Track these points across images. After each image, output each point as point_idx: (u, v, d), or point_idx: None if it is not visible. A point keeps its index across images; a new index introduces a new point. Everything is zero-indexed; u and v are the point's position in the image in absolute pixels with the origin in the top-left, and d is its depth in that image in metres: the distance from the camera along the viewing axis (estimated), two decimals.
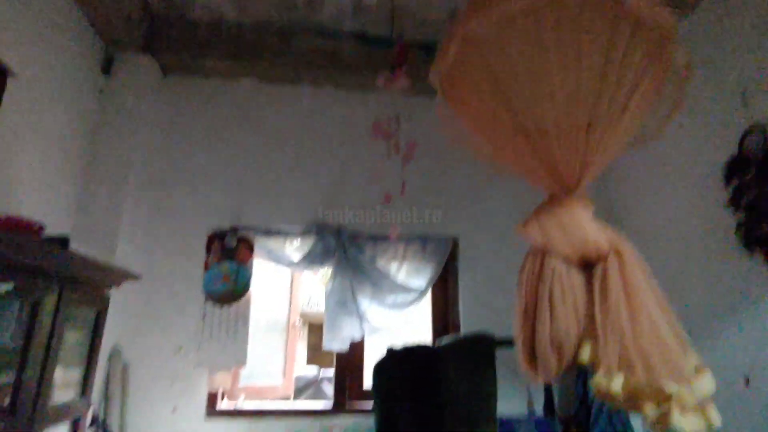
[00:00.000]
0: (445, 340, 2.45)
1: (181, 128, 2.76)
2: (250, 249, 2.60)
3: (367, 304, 2.61)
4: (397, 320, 2.73)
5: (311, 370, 5.57)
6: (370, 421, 2.41)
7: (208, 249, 2.57)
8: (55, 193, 2.07)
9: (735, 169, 2.05)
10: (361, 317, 2.57)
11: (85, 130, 2.30)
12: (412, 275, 2.78)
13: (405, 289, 2.69)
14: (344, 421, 2.48)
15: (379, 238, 2.69)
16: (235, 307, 2.50)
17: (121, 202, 2.33)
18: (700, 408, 1.04)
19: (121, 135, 2.41)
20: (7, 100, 1.66)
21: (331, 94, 2.92)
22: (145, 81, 2.57)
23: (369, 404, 2.49)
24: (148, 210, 2.57)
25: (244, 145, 2.78)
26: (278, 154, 2.79)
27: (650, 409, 1.03)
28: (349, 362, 2.67)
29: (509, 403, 2.49)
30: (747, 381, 1.99)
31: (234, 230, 2.61)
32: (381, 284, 2.64)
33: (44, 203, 1.97)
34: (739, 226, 1.99)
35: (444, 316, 2.84)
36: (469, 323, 2.69)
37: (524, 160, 1.38)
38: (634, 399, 1.06)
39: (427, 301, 2.84)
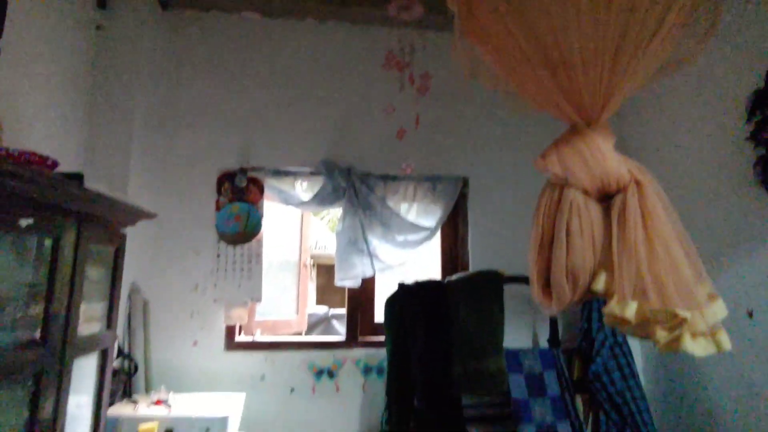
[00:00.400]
0: (455, 276, 2.50)
1: (183, 65, 2.67)
2: (260, 190, 2.60)
3: (377, 243, 2.64)
4: (408, 258, 2.78)
5: (321, 309, 5.75)
6: (381, 353, 2.52)
7: (219, 190, 2.57)
8: (61, 133, 2.04)
9: (760, 102, 1.98)
10: (371, 256, 2.61)
11: (85, 68, 2.23)
12: (422, 215, 2.79)
13: (415, 228, 2.71)
14: (356, 353, 2.59)
15: (389, 178, 2.68)
16: (247, 246, 2.54)
17: (129, 142, 2.30)
18: (711, 333, 1.07)
19: (123, 72, 2.34)
20: (8, 28, 1.60)
21: (338, 28, 2.79)
22: (143, 15, 2.45)
23: (380, 337, 2.59)
24: (157, 150, 2.55)
25: (250, 83, 2.70)
26: (285, 92, 2.72)
27: (661, 335, 1.06)
28: (360, 298, 2.75)
29: (516, 336, 2.60)
30: (750, 314, 2.04)
31: (243, 171, 2.60)
32: (391, 224, 2.66)
33: (51, 144, 1.95)
34: (758, 161, 1.96)
35: (453, 255, 2.88)
36: (478, 261, 2.73)
37: (546, 91, 1.33)
38: (645, 325, 1.09)
39: (437, 239, 2.87)
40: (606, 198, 1.26)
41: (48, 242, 1.35)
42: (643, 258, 1.14)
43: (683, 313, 1.05)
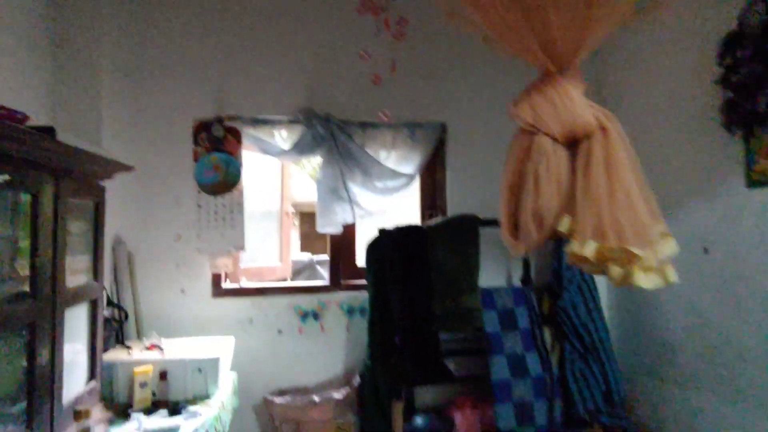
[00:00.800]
0: (434, 221, 2.58)
1: (152, 8, 2.55)
2: (238, 139, 2.58)
3: (357, 191, 2.68)
4: (388, 204, 2.84)
5: (305, 256, 5.86)
6: (363, 295, 2.64)
7: (195, 140, 2.54)
8: (24, 85, 1.97)
9: (731, 45, 2.01)
10: (352, 203, 2.66)
11: (47, 10, 2.11)
12: (402, 161, 2.82)
13: (394, 174, 2.75)
14: (339, 296, 2.71)
15: (368, 125, 2.68)
16: (228, 196, 2.56)
17: (97, 91, 2.22)
18: (660, 268, 1.17)
19: (86, 17, 2.22)
20: None
21: None
22: None
23: (362, 281, 2.69)
24: (129, 100, 2.48)
25: (222, 28, 2.60)
26: (260, 38, 2.64)
27: (616, 271, 1.16)
28: (342, 243, 2.83)
29: (492, 276, 2.74)
30: (706, 250, 2.19)
31: (220, 120, 2.56)
32: (371, 171, 2.69)
33: (16, 98, 1.88)
34: (724, 104, 2.02)
35: (432, 200, 2.95)
36: (455, 206, 2.81)
37: (520, 36, 1.35)
38: (602, 262, 1.18)
39: (416, 185, 2.93)
40: (574, 144, 1.32)
41: (26, 198, 1.36)
42: (603, 201, 1.22)
43: (637, 251, 1.14)
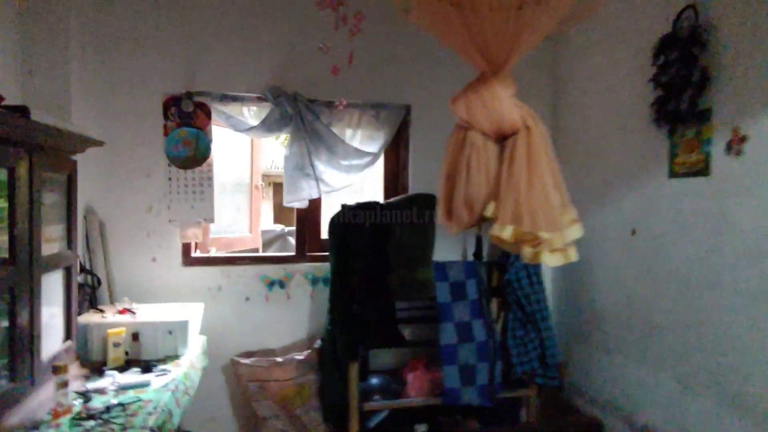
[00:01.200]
0: (394, 198, 2.76)
1: None
2: (208, 115, 2.67)
3: (323, 168, 2.83)
4: (352, 181, 3.00)
5: (278, 227, 5.99)
6: (326, 266, 2.82)
7: (165, 114, 2.62)
8: None
9: (664, 47, 2.20)
10: (317, 179, 2.81)
11: None
12: (366, 141, 2.97)
13: (359, 153, 2.90)
14: (305, 266, 2.89)
15: (334, 105, 2.80)
16: (198, 170, 2.67)
17: (67, 65, 2.28)
18: (565, 249, 1.39)
19: None
20: None
21: None
22: None
23: (326, 252, 2.87)
24: (98, 75, 2.53)
25: (192, 4, 2.65)
26: (229, 15, 2.70)
27: (528, 251, 1.36)
28: (308, 216, 3.00)
29: (448, 250, 2.95)
30: (633, 232, 2.44)
31: (189, 95, 2.64)
32: (336, 149, 2.83)
33: None
34: (654, 101, 2.22)
35: (395, 178, 3.12)
36: (417, 185, 2.98)
37: (458, 36, 1.49)
38: (518, 243, 1.38)
39: (380, 164, 3.08)
40: (502, 139, 1.50)
41: (2, 173, 1.47)
42: (523, 191, 1.41)
43: (544, 234, 1.34)
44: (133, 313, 2.24)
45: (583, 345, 2.84)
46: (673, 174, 2.20)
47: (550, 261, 1.35)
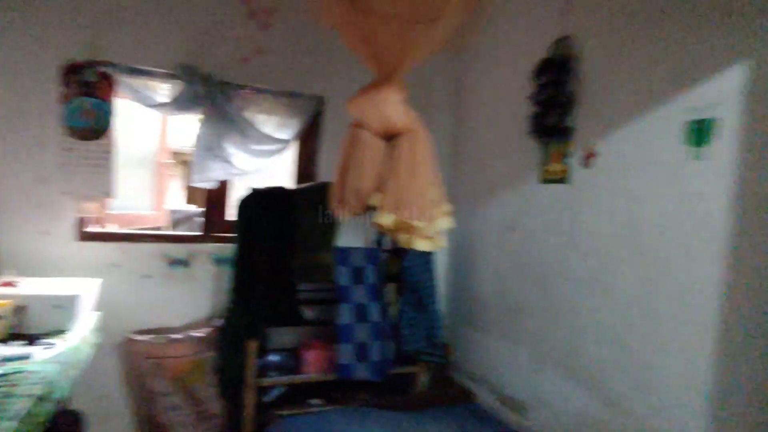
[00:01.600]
0: (301, 186, 2.88)
1: None
2: (112, 86, 2.60)
3: (233, 151, 2.87)
4: (262, 166, 3.07)
5: (188, 208, 5.82)
6: (231, 247, 2.87)
7: (65, 83, 2.52)
8: None
9: (543, 69, 2.54)
10: (227, 162, 2.85)
11: None
12: (279, 127, 3.05)
13: (271, 139, 2.97)
14: (209, 247, 2.92)
15: (243, 91, 2.85)
16: (99, 142, 2.59)
17: None
18: (435, 237, 1.62)
19: None
20: None
21: None
22: None
23: (232, 234, 2.92)
24: None
25: None
26: None
27: (403, 237, 1.58)
28: (216, 197, 3.02)
29: (352, 238, 3.13)
30: (512, 229, 2.79)
31: (92, 64, 2.55)
32: (248, 133, 2.88)
33: None
34: (530, 116, 2.57)
35: (305, 166, 3.24)
36: (325, 173, 3.13)
37: (358, 40, 1.66)
38: (396, 230, 1.59)
39: (293, 151, 3.18)
40: (390, 138, 1.70)
41: None
42: (404, 185, 1.62)
43: (417, 223, 1.57)
44: (14, 286, 2.16)
45: (467, 327, 3.19)
46: (543, 180, 2.57)
47: (421, 246, 1.57)
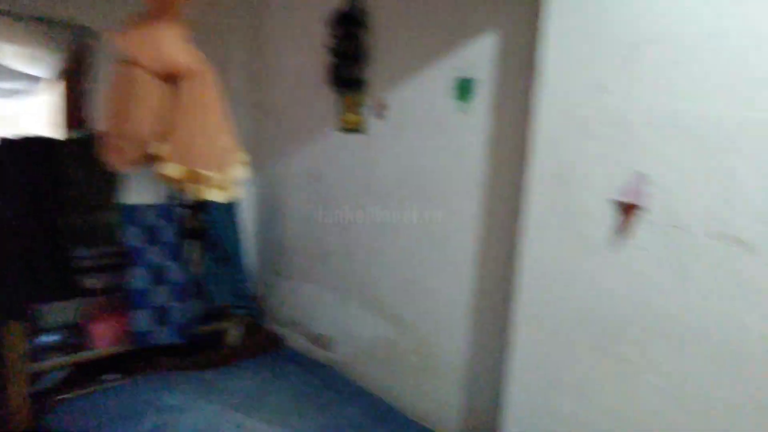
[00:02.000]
0: (71, 135, 2.42)
1: None
2: None
3: None
4: (14, 110, 2.47)
5: None
6: None
7: None
8: None
9: (340, 21, 2.58)
10: None
11: None
12: (32, 61, 2.47)
13: (19, 75, 2.39)
14: None
15: None
16: None
17: None
18: (228, 187, 1.57)
19: None
20: None
21: None
22: None
23: None
24: None
25: None
26: None
27: (191, 188, 1.49)
28: None
29: (142, 194, 2.81)
30: (317, 177, 2.88)
31: None
32: None
33: None
34: (328, 66, 2.62)
35: (74, 112, 2.71)
36: (102, 120, 2.68)
37: None
38: (183, 181, 1.49)
39: (57, 95, 2.62)
40: (171, 80, 1.54)
41: None
42: (191, 132, 1.51)
43: (207, 173, 1.49)
44: None
45: (278, 276, 3.24)
46: (342, 130, 2.68)
47: (213, 197, 1.51)
